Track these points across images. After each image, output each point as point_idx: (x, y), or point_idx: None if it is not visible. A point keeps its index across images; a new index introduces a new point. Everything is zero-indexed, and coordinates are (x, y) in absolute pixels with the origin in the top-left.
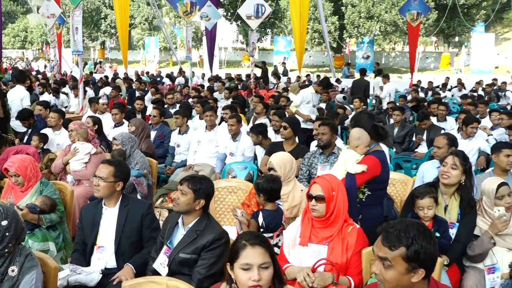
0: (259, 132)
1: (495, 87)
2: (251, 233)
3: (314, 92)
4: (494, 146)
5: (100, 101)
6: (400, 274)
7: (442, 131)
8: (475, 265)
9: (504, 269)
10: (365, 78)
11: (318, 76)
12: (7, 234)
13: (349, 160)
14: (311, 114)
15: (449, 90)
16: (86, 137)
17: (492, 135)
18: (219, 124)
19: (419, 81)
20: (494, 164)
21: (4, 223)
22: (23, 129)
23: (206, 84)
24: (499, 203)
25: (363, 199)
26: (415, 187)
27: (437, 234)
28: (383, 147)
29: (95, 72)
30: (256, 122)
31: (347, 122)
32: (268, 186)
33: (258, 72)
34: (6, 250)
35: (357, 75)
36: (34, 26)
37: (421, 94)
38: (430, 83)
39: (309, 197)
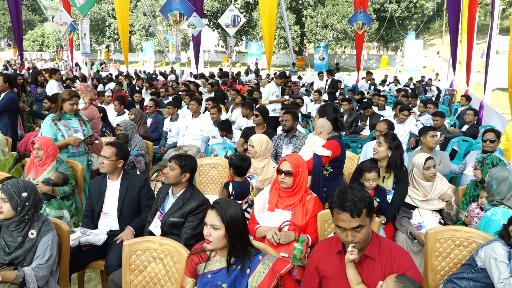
0: (222, 128)
1: (423, 83)
2: (221, 199)
3: (275, 85)
4: (421, 130)
5: (106, 94)
6: (367, 227)
7: (382, 118)
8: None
9: (428, 226)
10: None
11: (275, 73)
12: (27, 203)
13: (316, 144)
14: (277, 103)
15: (388, 85)
16: (91, 98)
17: (420, 120)
18: (203, 112)
19: (364, 78)
20: (422, 143)
21: (24, 194)
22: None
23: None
24: (426, 173)
25: (327, 175)
26: (360, 162)
27: (378, 200)
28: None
29: (101, 71)
30: (234, 111)
31: (303, 110)
32: (238, 163)
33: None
34: (27, 217)
35: (314, 72)
36: (50, 32)
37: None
38: (373, 79)
39: (279, 171)
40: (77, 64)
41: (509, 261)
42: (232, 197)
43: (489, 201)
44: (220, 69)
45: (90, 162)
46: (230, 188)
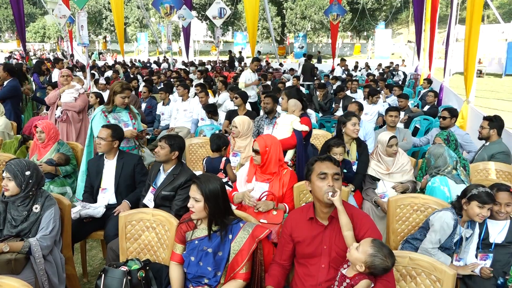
0: (208, 111)
1: (391, 68)
2: (202, 175)
3: (251, 72)
4: (385, 110)
5: (100, 81)
6: (342, 182)
7: (353, 100)
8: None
9: (391, 195)
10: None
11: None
12: (30, 181)
13: (294, 121)
14: (254, 87)
15: (359, 70)
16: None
17: (386, 101)
18: (193, 97)
19: (338, 64)
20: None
21: (28, 173)
22: None
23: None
24: (389, 150)
25: None
26: (329, 138)
27: (345, 171)
28: (313, 112)
29: (99, 60)
30: (220, 95)
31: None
32: (214, 142)
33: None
34: (30, 193)
35: (294, 60)
36: (51, 25)
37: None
38: (347, 65)
39: (253, 150)
40: (72, 55)
41: (455, 229)
42: (205, 171)
43: (429, 173)
44: (230, 51)
45: (141, 157)
46: (204, 164)
